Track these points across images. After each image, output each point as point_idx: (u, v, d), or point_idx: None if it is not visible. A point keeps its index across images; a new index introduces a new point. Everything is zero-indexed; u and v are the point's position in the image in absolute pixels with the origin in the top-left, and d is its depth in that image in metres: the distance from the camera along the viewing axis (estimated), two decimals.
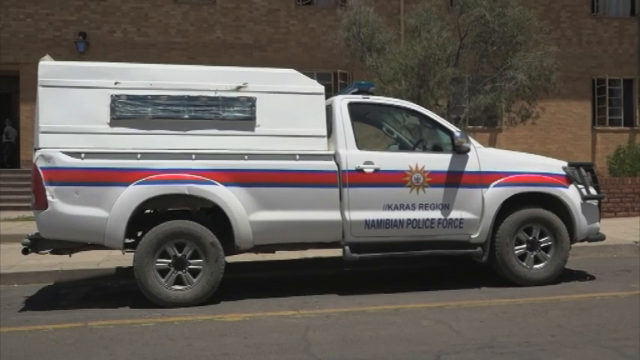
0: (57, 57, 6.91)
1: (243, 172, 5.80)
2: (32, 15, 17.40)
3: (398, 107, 6.74)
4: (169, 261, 5.68)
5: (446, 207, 6.19)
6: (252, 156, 5.85)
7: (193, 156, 5.74)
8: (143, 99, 5.77)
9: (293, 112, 6.03)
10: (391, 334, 4.68)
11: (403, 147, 6.93)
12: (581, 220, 6.48)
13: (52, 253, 6.10)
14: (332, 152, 6.07)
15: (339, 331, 4.79)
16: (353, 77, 17.20)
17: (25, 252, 5.87)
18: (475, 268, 7.12)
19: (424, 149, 6.68)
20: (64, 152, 5.54)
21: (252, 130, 5.95)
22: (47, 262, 7.30)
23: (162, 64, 6.65)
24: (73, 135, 5.61)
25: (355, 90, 6.61)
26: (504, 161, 6.47)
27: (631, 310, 5.23)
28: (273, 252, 6.49)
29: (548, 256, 6.41)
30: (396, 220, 6.08)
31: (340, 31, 14.72)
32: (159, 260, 5.66)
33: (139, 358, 4.24)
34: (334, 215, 5.97)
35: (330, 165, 6.00)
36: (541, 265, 6.40)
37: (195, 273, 5.73)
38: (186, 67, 6.67)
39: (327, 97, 6.29)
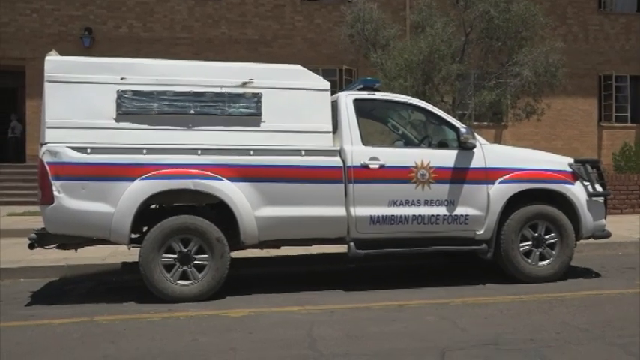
0: (63, 52, 6.91)
1: (249, 167, 5.81)
2: (38, 10, 17.43)
3: (403, 103, 6.73)
4: (175, 256, 5.70)
5: (451, 203, 6.18)
6: (258, 152, 5.86)
7: (199, 151, 5.75)
8: (149, 94, 5.78)
9: (298, 108, 6.03)
10: (396, 330, 4.69)
11: (408, 143, 6.93)
12: (586, 217, 6.47)
13: (58, 248, 6.11)
14: (337, 148, 6.07)
15: (344, 326, 4.80)
16: (358, 73, 17.18)
17: (31, 247, 5.90)
18: (480, 265, 7.12)
19: (430, 145, 6.66)
20: (70, 147, 5.55)
21: (258, 125, 5.96)
22: (53, 256, 7.32)
23: (168, 60, 6.64)
24: (79, 130, 5.62)
25: (361, 86, 6.60)
26: (510, 158, 6.46)
27: (636, 308, 5.22)
28: (279, 247, 6.51)
29: (554, 252, 6.40)
30: (401, 217, 6.08)
31: (344, 27, 14.69)
32: (164, 255, 5.67)
33: (145, 352, 4.25)
34: (339, 211, 5.98)
35: (335, 161, 6.00)
36: (546, 261, 6.39)
37: (200, 268, 5.75)
38: (192, 62, 6.66)
39: (332, 93, 6.29)
